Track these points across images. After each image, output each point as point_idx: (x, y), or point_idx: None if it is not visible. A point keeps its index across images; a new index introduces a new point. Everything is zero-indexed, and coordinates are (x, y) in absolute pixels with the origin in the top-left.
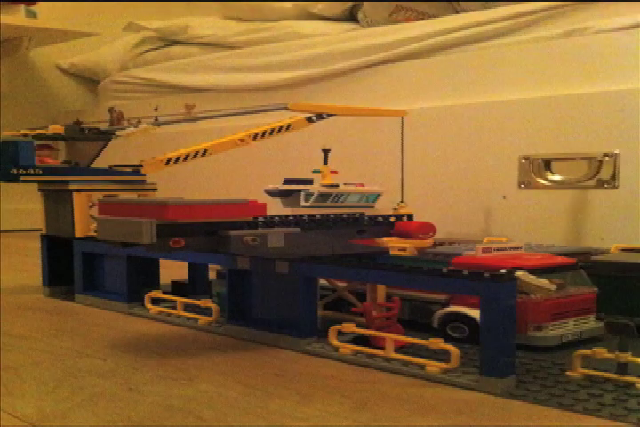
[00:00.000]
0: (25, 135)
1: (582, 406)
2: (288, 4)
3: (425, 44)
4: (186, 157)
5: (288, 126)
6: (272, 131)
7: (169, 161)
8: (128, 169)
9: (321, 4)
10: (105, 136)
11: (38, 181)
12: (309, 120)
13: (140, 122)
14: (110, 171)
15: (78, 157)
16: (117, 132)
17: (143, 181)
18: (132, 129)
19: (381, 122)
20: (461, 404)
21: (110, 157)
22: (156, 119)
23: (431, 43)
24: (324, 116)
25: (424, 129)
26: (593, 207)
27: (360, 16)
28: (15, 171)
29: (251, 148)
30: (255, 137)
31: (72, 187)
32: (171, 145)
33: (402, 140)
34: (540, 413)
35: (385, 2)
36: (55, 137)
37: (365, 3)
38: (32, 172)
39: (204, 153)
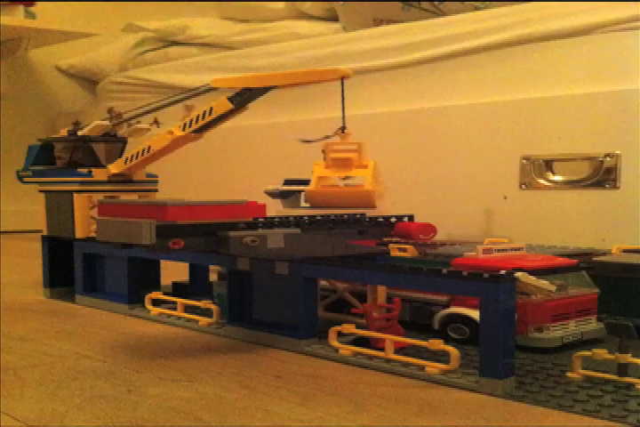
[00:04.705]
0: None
1: (582, 408)
2: (280, 4)
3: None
4: (137, 155)
5: (211, 110)
6: (197, 118)
7: (126, 160)
8: None
9: (308, 3)
10: (120, 138)
11: (39, 183)
12: (230, 100)
13: (139, 122)
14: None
15: (106, 159)
16: (120, 132)
17: (144, 182)
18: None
19: (381, 124)
20: (461, 405)
21: None
22: (156, 120)
23: (435, 48)
24: (251, 92)
25: (424, 129)
26: (594, 208)
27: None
28: (21, 173)
29: (250, 149)
30: (184, 128)
31: (73, 188)
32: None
33: (342, 101)
34: (540, 414)
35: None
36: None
37: (341, 16)
38: (30, 174)
39: (149, 150)
